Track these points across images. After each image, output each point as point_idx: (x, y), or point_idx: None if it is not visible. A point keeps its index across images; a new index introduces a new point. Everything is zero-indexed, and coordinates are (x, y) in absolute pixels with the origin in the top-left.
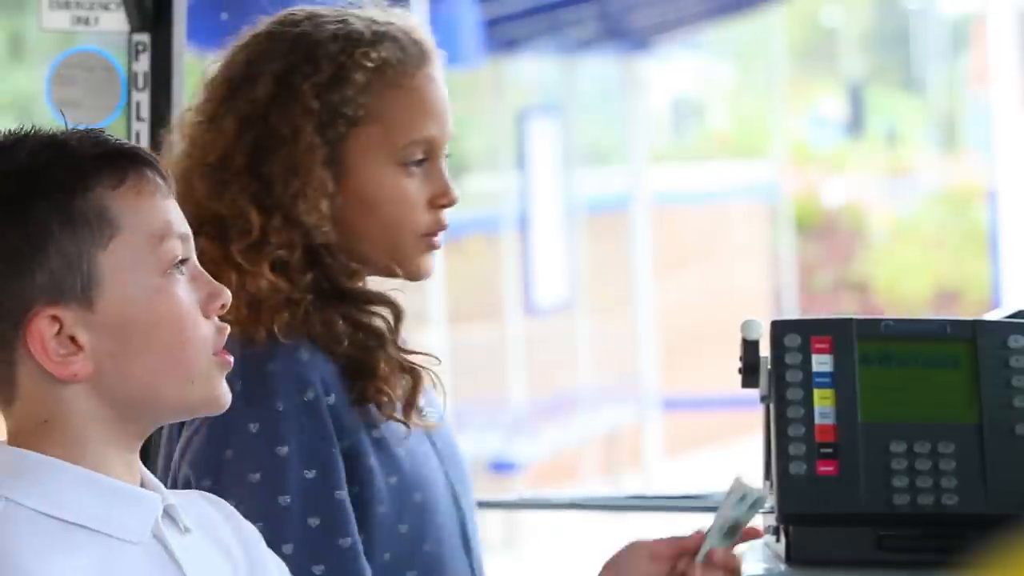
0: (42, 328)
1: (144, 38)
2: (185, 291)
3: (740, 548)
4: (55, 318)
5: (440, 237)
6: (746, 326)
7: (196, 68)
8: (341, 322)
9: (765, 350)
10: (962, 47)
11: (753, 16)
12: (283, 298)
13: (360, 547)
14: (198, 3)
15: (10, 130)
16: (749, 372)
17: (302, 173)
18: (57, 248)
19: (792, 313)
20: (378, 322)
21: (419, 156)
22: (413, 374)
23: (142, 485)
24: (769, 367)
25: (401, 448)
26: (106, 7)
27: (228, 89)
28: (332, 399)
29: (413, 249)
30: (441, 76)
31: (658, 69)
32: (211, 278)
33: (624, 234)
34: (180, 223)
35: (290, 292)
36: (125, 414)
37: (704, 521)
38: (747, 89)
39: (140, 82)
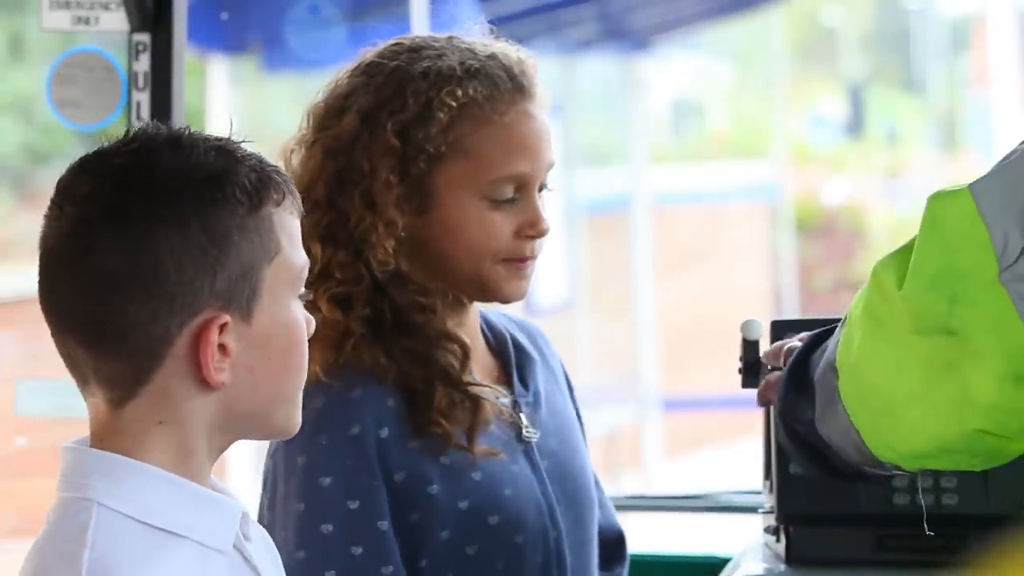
0: (211, 332)
1: (144, 38)
2: (304, 317)
3: (740, 548)
4: (223, 325)
5: (527, 264)
6: (746, 326)
7: (196, 68)
8: (399, 355)
9: (765, 350)
10: (962, 47)
11: (753, 16)
12: (335, 333)
13: (403, 575)
14: (198, 3)
15: (156, 123)
16: (749, 372)
17: (377, 210)
18: (237, 255)
19: (792, 313)
20: (446, 357)
21: (508, 193)
22: (475, 403)
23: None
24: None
25: (475, 472)
26: (106, 7)
27: (322, 119)
28: (385, 433)
29: (492, 273)
30: (540, 111)
31: (658, 69)
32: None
33: (624, 234)
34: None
35: (344, 327)
36: (229, 426)
37: (703, 520)
38: (747, 89)
39: (140, 82)
